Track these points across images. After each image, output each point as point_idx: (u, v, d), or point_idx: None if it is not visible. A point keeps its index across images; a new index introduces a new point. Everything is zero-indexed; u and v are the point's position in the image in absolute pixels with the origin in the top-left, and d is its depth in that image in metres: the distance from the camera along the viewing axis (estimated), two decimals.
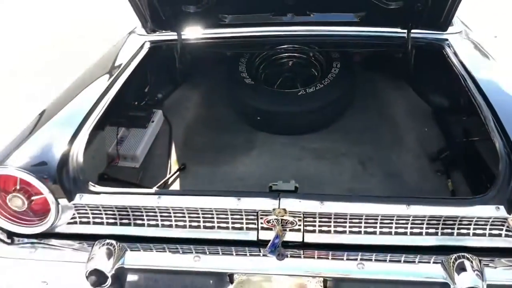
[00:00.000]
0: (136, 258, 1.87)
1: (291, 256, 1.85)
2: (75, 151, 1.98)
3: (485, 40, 3.00)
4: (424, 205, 1.80)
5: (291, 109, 2.91)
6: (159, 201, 1.88)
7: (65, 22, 8.06)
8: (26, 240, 1.99)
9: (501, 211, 1.75)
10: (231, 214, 1.91)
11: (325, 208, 1.83)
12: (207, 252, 1.89)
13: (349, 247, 1.90)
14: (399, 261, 1.85)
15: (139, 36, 3.08)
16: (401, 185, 2.48)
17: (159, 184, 2.47)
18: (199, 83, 3.39)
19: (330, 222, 1.89)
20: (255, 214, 1.89)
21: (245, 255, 1.89)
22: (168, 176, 2.58)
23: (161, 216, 1.94)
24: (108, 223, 1.96)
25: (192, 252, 1.88)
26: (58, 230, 1.98)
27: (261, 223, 1.92)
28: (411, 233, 1.87)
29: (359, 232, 1.89)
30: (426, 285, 1.82)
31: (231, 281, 1.89)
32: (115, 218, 1.95)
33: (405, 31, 2.80)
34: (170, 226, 1.95)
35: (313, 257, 1.88)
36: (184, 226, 1.95)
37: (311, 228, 1.91)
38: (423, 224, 1.85)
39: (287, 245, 1.88)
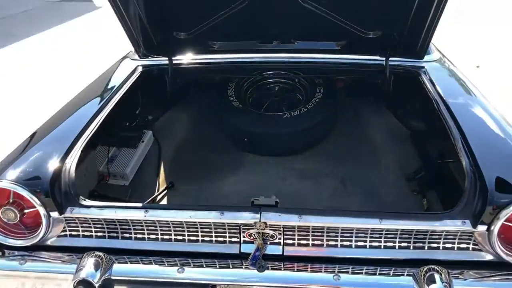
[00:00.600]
0: (123, 270, 1.95)
1: (271, 268, 1.93)
2: (67, 167, 2.08)
3: (464, 69, 3.17)
4: (396, 219, 1.91)
5: (276, 131, 3.05)
6: (146, 215, 1.98)
7: None
8: (16, 252, 2.07)
9: (467, 225, 1.87)
10: (215, 228, 2.01)
11: (303, 222, 1.93)
12: (191, 264, 1.98)
13: (326, 260, 1.99)
14: (374, 274, 1.94)
15: (132, 61, 3.23)
16: (379, 203, 2.59)
17: (147, 201, 2.57)
18: (189, 105, 3.53)
19: (308, 235, 1.99)
20: (238, 228, 1.99)
21: (228, 267, 1.98)
22: (156, 193, 2.68)
23: (147, 229, 2.03)
24: (97, 236, 2.05)
25: (177, 264, 1.97)
26: (48, 242, 2.06)
27: (243, 236, 2.02)
28: (385, 247, 1.98)
29: (336, 246, 2.00)
30: None
31: None
32: (103, 231, 2.05)
33: (384, 58, 2.97)
34: (156, 239, 2.04)
35: (293, 270, 1.96)
36: (170, 240, 2.04)
37: (290, 241, 2.01)
38: (396, 238, 1.96)
39: (268, 257, 1.97)
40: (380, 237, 1.97)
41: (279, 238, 2.00)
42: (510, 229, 1.84)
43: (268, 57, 3.14)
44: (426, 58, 2.95)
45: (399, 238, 1.96)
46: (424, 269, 1.85)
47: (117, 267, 1.95)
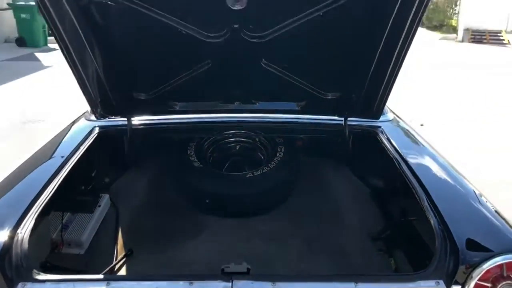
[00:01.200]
0: None
1: None
2: (20, 237, 1.92)
3: (412, 128, 3.32)
4: (371, 282, 1.88)
5: (239, 192, 3.00)
6: (108, 287, 1.83)
7: None
8: None
9: (441, 285, 1.86)
10: None
11: None
12: None
13: None
14: None
15: (88, 121, 3.13)
16: (346, 264, 2.56)
17: (105, 271, 2.39)
18: (148, 167, 3.43)
19: None
20: None
21: None
22: (114, 262, 2.51)
23: None
24: None
25: None
26: None
27: None
28: None
29: None
30: None
31: None
32: None
33: (342, 119, 3.05)
34: None
35: None
36: None
37: None
38: None
39: None
40: None
41: None
42: None
43: (230, 117, 3.15)
44: (381, 118, 3.07)
45: None
46: None
47: None
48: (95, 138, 2.86)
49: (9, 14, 15.06)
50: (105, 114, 2.97)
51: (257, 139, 3.52)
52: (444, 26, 21.65)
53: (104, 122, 3.07)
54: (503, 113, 8.25)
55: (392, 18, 2.26)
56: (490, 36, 18.14)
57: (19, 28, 14.94)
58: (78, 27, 2.31)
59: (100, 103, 2.85)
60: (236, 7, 2.21)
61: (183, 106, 3.02)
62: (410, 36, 2.26)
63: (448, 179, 2.44)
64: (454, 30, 19.94)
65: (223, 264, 2.05)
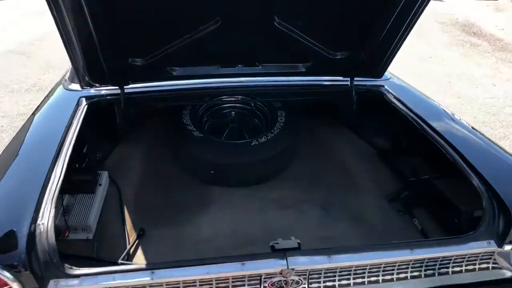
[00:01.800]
0: None
1: None
2: (42, 229, 1.67)
3: (410, 84, 3.27)
4: (426, 247, 1.84)
5: (245, 160, 2.84)
6: (153, 277, 1.65)
7: None
8: None
9: (492, 245, 1.86)
10: (232, 282, 1.75)
11: (334, 263, 1.77)
12: None
13: None
14: None
15: (70, 92, 2.80)
16: (369, 228, 2.51)
17: (123, 255, 2.19)
18: (143, 139, 3.16)
19: (335, 276, 1.82)
20: (259, 278, 1.76)
21: None
22: (128, 245, 2.30)
23: None
24: None
25: None
26: None
27: (264, 286, 1.78)
28: (412, 277, 1.89)
29: (363, 283, 1.86)
30: None
31: None
32: None
33: (348, 79, 2.94)
34: None
35: None
36: None
37: (316, 285, 1.83)
38: (422, 267, 1.88)
39: None
40: (407, 268, 1.87)
41: (304, 284, 1.80)
42: None
43: (230, 82, 2.93)
44: None
45: (425, 266, 1.89)
46: None
47: None
48: (86, 111, 2.56)
49: None
50: (94, 83, 2.67)
51: (256, 105, 3.34)
52: None
53: (89, 92, 2.75)
54: None
55: None
56: None
57: None
58: None
59: (90, 70, 2.54)
60: None
61: (182, 71, 2.76)
62: None
63: (469, 135, 2.43)
64: None
65: (247, 238, 1.99)
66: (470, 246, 1.86)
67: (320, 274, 1.80)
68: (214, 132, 3.16)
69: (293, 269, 1.73)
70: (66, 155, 2.11)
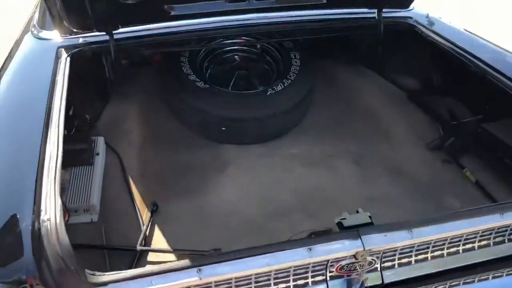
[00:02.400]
0: None
1: None
2: (50, 226, 1.27)
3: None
4: None
5: (261, 112, 2.44)
6: (200, 276, 1.29)
7: None
8: None
9: None
10: (294, 271, 1.42)
11: (416, 238, 1.45)
12: None
13: (432, 276, 1.55)
14: (487, 279, 1.57)
15: (43, 41, 2.28)
16: (414, 182, 2.22)
17: (140, 239, 1.82)
18: (134, 93, 2.68)
19: (411, 251, 1.52)
20: (325, 263, 1.43)
21: None
22: (143, 226, 1.92)
23: None
24: None
25: None
26: None
27: (330, 272, 1.46)
28: (494, 243, 1.60)
29: (442, 255, 1.56)
30: None
31: None
32: None
33: (375, 10, 2.52)
34: None
35: None
36: None
37: (389, 263, 1.52)
38: (506, 231, 1.60)
39: None
40: (490, 234, 1.58)
41: (377, 263, 1.49)
42: None
43: (239, 19, 2.45)
44: None
45: (510, 230, 1.60)
46: None
47: None
48: (70, 65, 2.06)
49: None
50: (76, 29, 2.16)
51: (258, 46, 2.89)
52: None
53: (70, 41, 2.23)
54: None
55: None
56: None
57: None
58: None
59: (69, 13, 2.03)
60: None
61: (181, 10, 2.27)
62: None
63: None
64: None
65: (279, 205, 1.89)
66: None
67: (396, 251, 1.49)
68: (217, 81, 2.71)
69: (369, 250, 1.41)
70: (58, 122, 1.66)
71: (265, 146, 2.51)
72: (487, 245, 1.60)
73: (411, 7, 2.72)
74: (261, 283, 1.40)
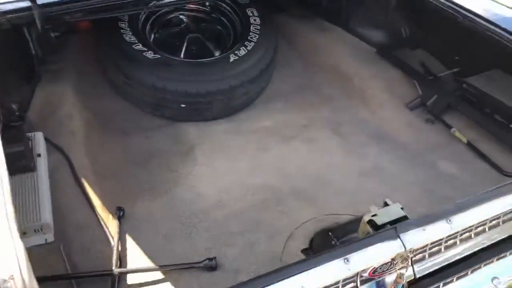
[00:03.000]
0: None
1: None
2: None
3: None
4: None
5: (228, 83, 2.11)
6: None
7: None
8: None
9: None
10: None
11: (455, 228, 1.28)
12: None
13: (463, 259, 1.41)
14: None
15: None
16: (401, 147, 2.05)
17: (114, 258, 1.48)
18: (68, 72, 2.18)
19: (441, 241, 1.35)
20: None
21: None
22: (112, 241, 1.57)
23: None
24: None
25: None
26: None
27: (361, 276, 1.25)
28: None
29: (469, 237, 1.41)
30: None
31: None
32: None
33: None
34: None
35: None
36: None
37: (419, 256, 1.34)
38: None
39: None
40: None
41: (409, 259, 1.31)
42: None
43: None
44: None
45: None
46: None
47: None
48: None
49: None
50: None
51: (207, 4, 2.49)
52: None
53: None
54: None
55: None
56: None
57: None
58: None
59: None
60: None
61: None
62: None
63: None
64: None
65: (266, 192, 1.69)
66: None
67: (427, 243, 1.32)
68: (165, 48, 2.30)
69: (411, 249, 1.21)
70: None
71: (232, 121, 2.21)
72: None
73: None
74: None
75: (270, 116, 2.23)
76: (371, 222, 1.26)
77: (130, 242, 1.60)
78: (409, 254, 1.23)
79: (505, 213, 1.43)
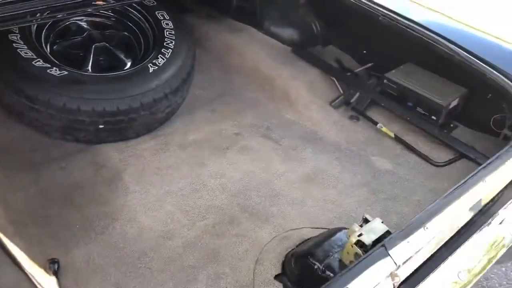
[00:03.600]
0: None
1: None
2: None
3: None
4: None
5: (151, 96, 1.89)
6: None
7: None
8: None
9: None
10: None
11: (431, 232, 1.29)
12: None
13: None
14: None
15: None
16: (336, 147, 2.06)
17: None
18: None
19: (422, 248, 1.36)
20: None
21: None
22: None
23: None
24: None
25: None
26: None
27: None
28: None
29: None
30: None
31: None
32: None
33: None
34: None
35: None
36: None
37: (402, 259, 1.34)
38: None
39: None
40: None
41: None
42: None
43: None
44: None
45: None
46: None
47: None
48: None
49: None
50: None
51: (108, 10, 2.22)
52: None
53: None
54: None
55: None
56: None
57: None
58: None
59: None
60: None
61: None
62: None
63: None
64: None
65: (214, 215, 1.60)
66: None
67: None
68: (67, 62, 1.99)
69: (401, 265, 1.20)
70: None
71: (156, 137, 2.01)
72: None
73: None
74: None
75: (198, 127, 2.09)
76: (359, 243, 1.21)
77: None
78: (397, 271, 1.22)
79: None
